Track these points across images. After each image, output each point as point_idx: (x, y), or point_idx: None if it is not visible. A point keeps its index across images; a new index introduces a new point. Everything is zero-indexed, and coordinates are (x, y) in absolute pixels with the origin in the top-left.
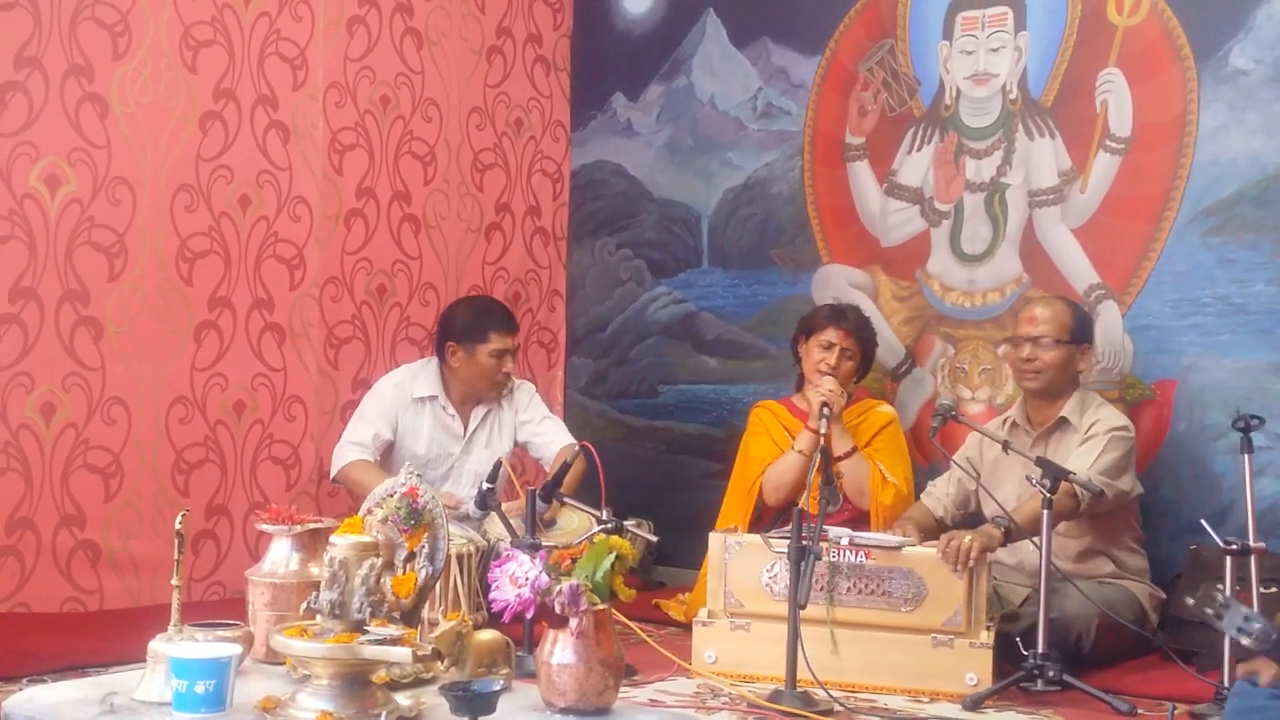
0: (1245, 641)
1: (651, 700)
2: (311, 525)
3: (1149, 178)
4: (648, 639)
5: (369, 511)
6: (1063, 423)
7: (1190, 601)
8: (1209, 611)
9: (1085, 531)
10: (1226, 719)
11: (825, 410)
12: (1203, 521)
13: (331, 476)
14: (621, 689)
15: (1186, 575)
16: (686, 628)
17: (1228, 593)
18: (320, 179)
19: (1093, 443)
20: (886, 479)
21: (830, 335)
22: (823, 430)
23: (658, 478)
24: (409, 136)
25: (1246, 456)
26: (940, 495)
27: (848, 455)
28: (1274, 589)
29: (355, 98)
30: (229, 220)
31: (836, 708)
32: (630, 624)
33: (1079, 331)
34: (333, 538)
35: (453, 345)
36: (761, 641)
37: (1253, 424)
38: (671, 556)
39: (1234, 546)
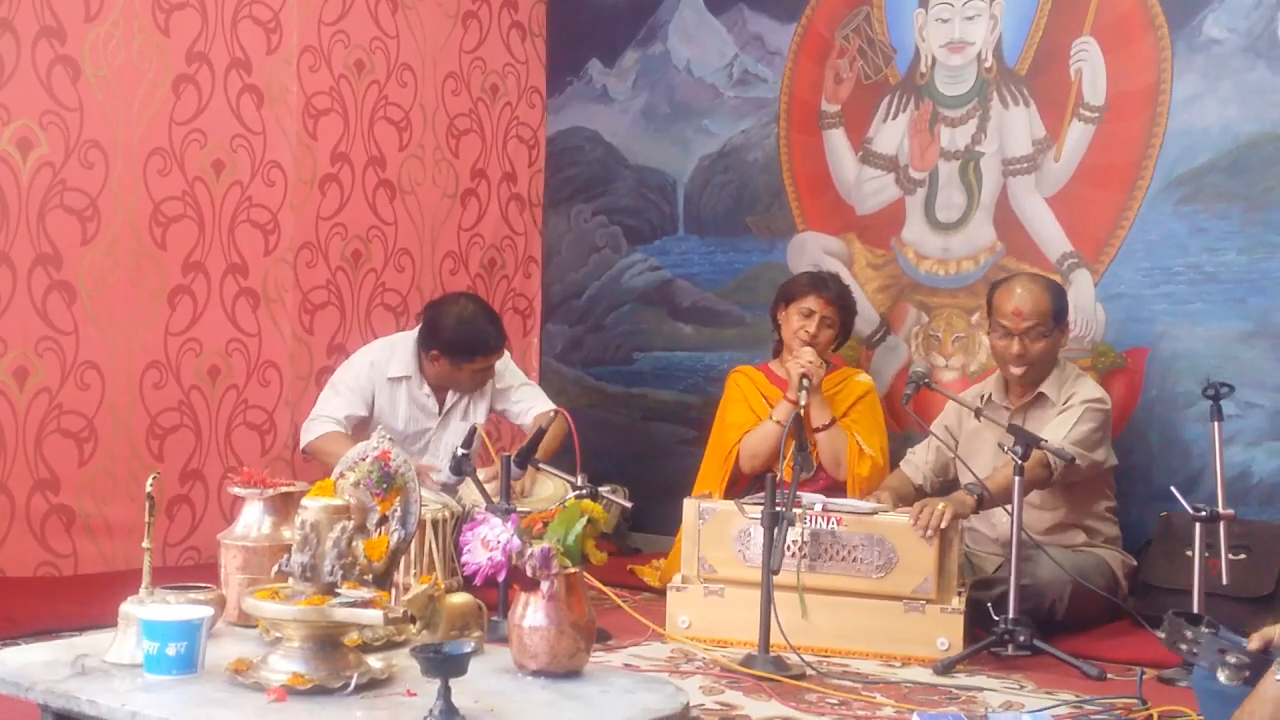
0: (1223, 676)
1: (626, 665)
2: (284, 489)
3: (1122, 146)
4: (622, 604)
5: (341, 475)
6: (1040, 398)
7: (1161, 637)
8: (1182, 648)
9: (1059, 504)
10: (1194, 684)
11: (805, 382)
12: (1173, 489)
13: (301, 447)
14: (596, 654)
15: (1157, 542)
16: (661, 593)
17: (1192, 623)
18: (294, 143)
19: (1068, 414)
20: (864, 451)
21: (811, 303)
22: (802, 402)
23: (633, 444)
24: (384, 101)
25: (1216, 424)
26: (919, 463)
27: (826, 427)
28: (1243, 556)
29: (330, 62)
30: (202, 184)
31: (809, 672)
32: (605, 589)
33: (1059, 314)
34: (304, 501)
35: (436, 353)
36: (735, 607)
37: (1223, 392)
38: (647, 522)
39: (1203, 513)
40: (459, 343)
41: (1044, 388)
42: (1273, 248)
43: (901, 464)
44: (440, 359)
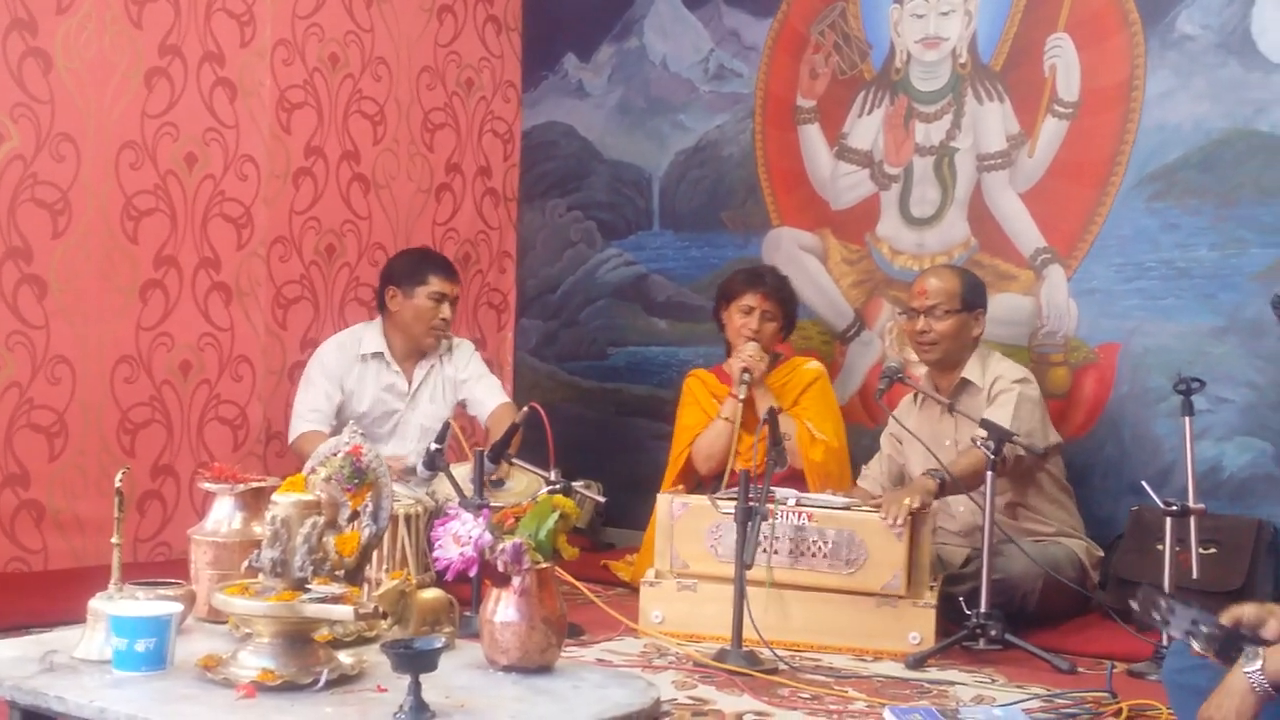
0: (1193, 644)
1: (599, 660)
2: (255, 484)
3: (1096, 142)
4: (595, 599)
5: (312, 470)
6: (965, 384)
7: (1134, 605)
8: (1155, 617)
9: (1005, 486)
10: (1164, 678)
11: (745, 376)
12: (1143, 483)
13: (290, 441)
14: (568, 649)
15: (1128, 536)
16: (634, 588)
17: (1168, 594)
18: (268, 137)
19: (1003, 400)
20: (815, 436)
21: (749, 299)
22: (741, 395)
23: (607, 439)
24: (358, 95)
25: (1187, 419)
26: (875, 475)
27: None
28: (1213, 550)
29: (303, 55)
30: (175, 178)
31: (781, 666)
32: (578, 584)
33: (970, 298)
34: (274, 496)
35: (393, 289)
36: (708, 602)
37: (1194, 387)
38: (620, 518)
39: (1174, 508)
40: (411, 264)
41: (966, 373)
42: (1244, 244)
43: (859, 481)
44: (396, 294)
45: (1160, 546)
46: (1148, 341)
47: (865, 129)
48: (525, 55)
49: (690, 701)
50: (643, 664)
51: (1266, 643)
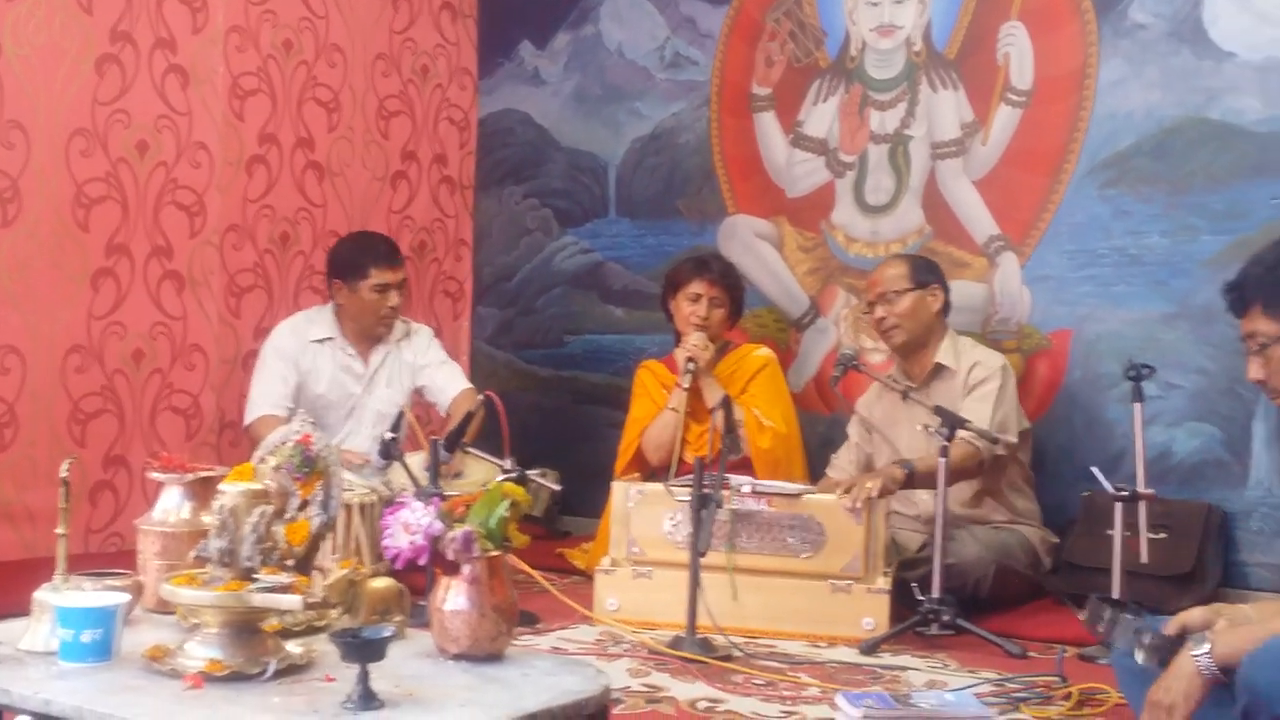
0: (1139, 657)
1: (554, 648)
2: (204, 473)
3: (1049, 130)
4: (550, 587)
5: (262, 460)
6: (939, 369)
7: (1080, 618)
8: (1099, 629)
9: None
10: (1113, 662)
11: (690, 365)
12: (1094, 469)
13: (245, 426)
14: (524, 637)
15: (1080, 522)
16: (590, 576)
17: (1114, 605)
18: (221, 124)
19: (983, 392)
20: (763, 424)
21: (696, 287)
22: (685, 385)
23: (564, 428)
24: (313, 82)
25: (1137, 405)
26: (844, 465)
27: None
28: (1163, 534)
29: (257, 42)
30: (126, 166)
31: (736, 653)
32: (533, 572)
33: (921, 275)
34: (221, 485)
35: (337, 283)
36: (663, 589)
37: (1144, 373)
38: (577, 506)
39: (1124, 493)
40: (350, 257)
41: (940, 357)
42: (1195, 231)
43: (828, 470)
44: (341, 287)
45: (1111, 532)
46: (1099, 328)
47: (820, 117)
48: (481, 42)
49: (644, 689)
50: (598, 652)
51: None
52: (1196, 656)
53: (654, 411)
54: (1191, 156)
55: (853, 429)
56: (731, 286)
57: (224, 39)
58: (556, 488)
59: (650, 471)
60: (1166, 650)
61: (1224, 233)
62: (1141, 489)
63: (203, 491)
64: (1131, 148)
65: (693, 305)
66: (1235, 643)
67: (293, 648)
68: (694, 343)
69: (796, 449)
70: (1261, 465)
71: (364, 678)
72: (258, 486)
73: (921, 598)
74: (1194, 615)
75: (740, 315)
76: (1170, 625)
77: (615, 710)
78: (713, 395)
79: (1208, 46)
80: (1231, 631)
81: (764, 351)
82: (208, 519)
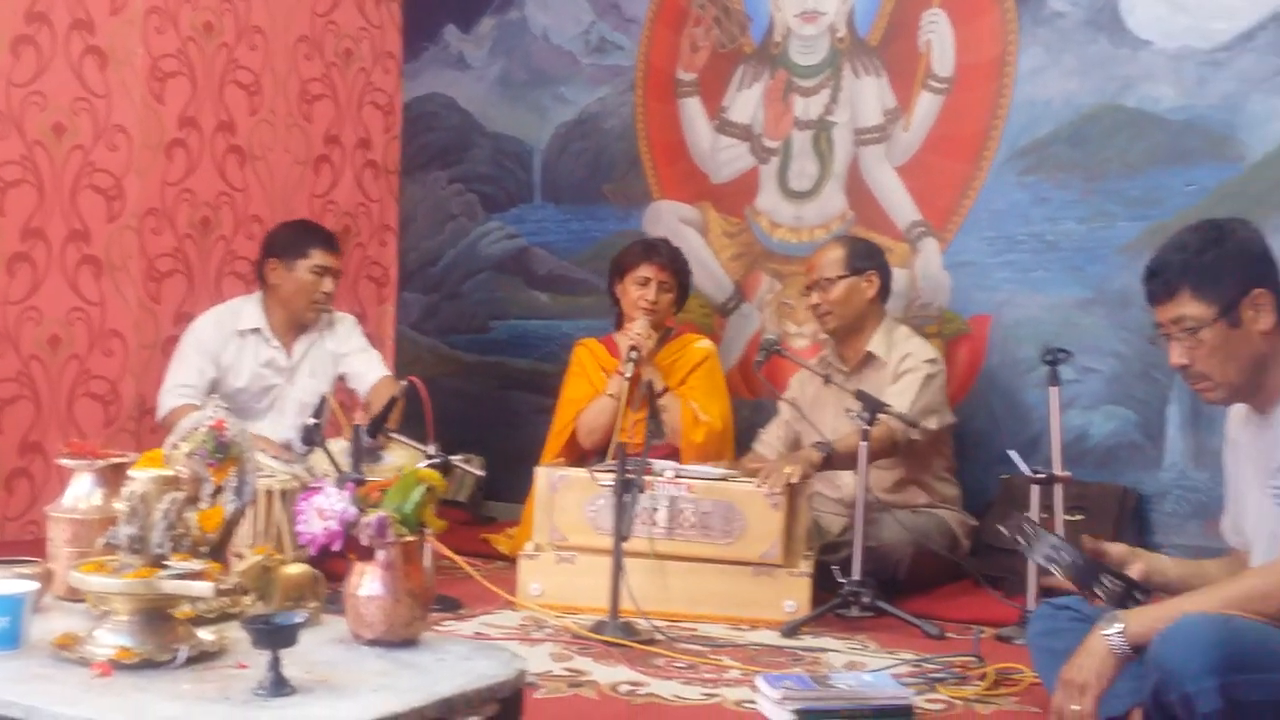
0: (1055, 570)
1: (476, 633)
2: (115, 459)
3: (969, 117)
4: (473, 573)
5: (175, 446)
6: (870, 358)
7: (1002, 530)
8: (1019, 540)
9: (898, 463)
10: (1028, 641)
11: (633, 354)
12: (1011, 452)
13: (159, 417)
14: (446, 622)
15: (998, 504)
16: (514, 561)
17: (1036, 522)
18: (140, 107)
19: (908, 380)
20: (699, 418)
21: (645, 271)
22: (628, 374)
23: (489, 413)
24: (234, 65)
25: (1054, 389)
26: (771, 440)
27: (659, 396)
28: (1079, 516)
29: (176, 23)
30: (42, 149)
31: (658, 637)
32: (455, 558)
33: (858, 261)
34: (131, 471)
35: (273, 262)
36: (586, 574)
37: (1060, 358)
38: (502, 491)
39: (1041, 476)
40: (292, 237)
41: (872, 347)
42: (1111, 217)
43: (755, 445)
44: (277, 266)
45: (1030, 516)
46: (1018, 313)
47: (745, 103)
48: (405, 26)
49: (567, 673)
50: (520, 637)
51: (1127, 578)
52: (1108, 635)
53: (590, 393)
54: (1108, 144)
55: (784, 407)
56: (680, 272)
57: (143, 20)
58: (480, 473)
59: (582, 456)
60: (1082, 569)
61: (1139, 219)
62: (1058, 472)
63: (114, 478)
64: (1050, 135)
65: (641, 289)
66: (1146, 621)
67: (205, 635)
68: (638, 331)
69: (729, 445)
70: (1175, 448)
71: (275, 664)
72: (169, 473)
73: (842, 580)
74: (1115, 547)
75: (686, 301)
76: (1087, 540)
77: (537, 695)
78: (653, 384)
79: (1124, 35)
80: (1143, 611)
81: (705, 344)
82: (120, 506)
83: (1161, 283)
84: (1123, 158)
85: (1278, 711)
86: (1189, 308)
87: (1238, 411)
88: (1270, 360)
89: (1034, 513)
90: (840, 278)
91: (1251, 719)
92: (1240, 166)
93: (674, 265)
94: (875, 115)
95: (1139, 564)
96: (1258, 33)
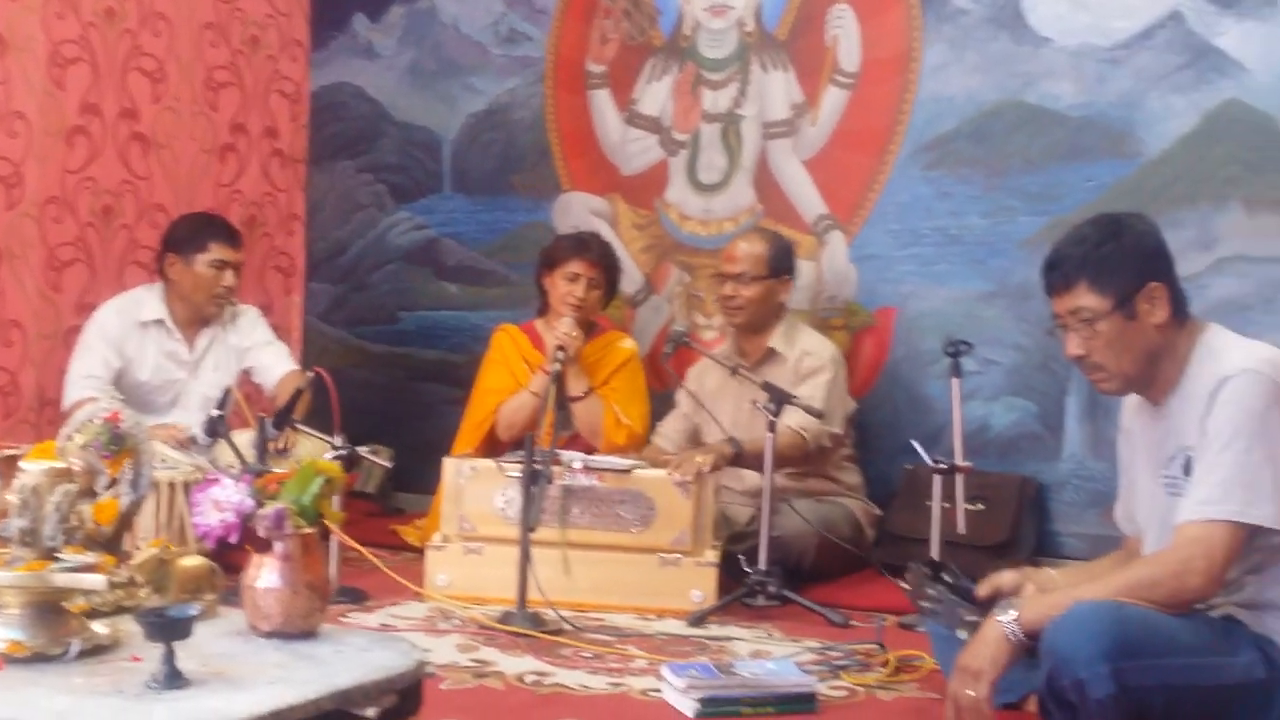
0: (962, 634)
1: (383, 625)
2: (7, 451)
3: (875, 112)
4: (379, 564)
5: (68, 437)
6: (771, 353)
7: (906, 588)
8: (925, 606)
9: None
10: (929, 630)
11: (560, 354)
12: (914, 442)
13: (64, 408)
14: (352, 614)
15: (902, 494)
16: (423, 553)
17: (937, 578)
18: (40, 94)
19: (815, 383)
20: (620, 420)
21: (575, 266)
22: (554, 373)
23: (398, 404)
24: (137, 51)
25: (955, 380)
26: (670, 433)
27: (583, 397)
28: (980, 506)
29: (78, 9)
30: None
31: (565, 627)
32: (362, 549)
33: (777, 265)
34: (22, 464)
35: (172, 256)
36: (494, 565)
37: (962, 350)
38: (411, 482)
39: (943, 466)
40: (190, 230)
41: (773, 342)
42: (1012, 211)
43: (653, 438)
44: (176, 261)
45: (930, 503)
46: (922, 305)
47: (654, 95)
48: (313, 14)
49: (472, 664)
50: (426, 628)
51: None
52: (1003, 623)
53: (510, 383)
54: (1009, 140)
55: (682, 399)
56: (609, 268)
57: (42, 5)
58: (388, 465)
59: (498, 448)
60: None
61: (1040, 214)
62: (959, 462)
63: (7, 470)
64: (953, 130)
65: (570, 285)
66: (1040, 609)
67: (99, 628)
68: (564, 330)
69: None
70: (1074, 439)
71: (169, 657)
72: (61, 465)
73: (748, 570)
74: (1005, 578)
75: (614, 297)
76: (983, 586)
77: (442, 686)
78: (577, 384)
79: (1025, 32)
80: (1037, 599)
81: (629, 344)
82: (10, 498)
83: (1060, 275)
84: (1024, 153)
85: (1168, 695)
86: (1086, 299)
87: (1132, 402)
88: (1164, 353)
89: (935, 504)
90: (760, 277)
91: (1142, 703)
92: (1138, 162)
93: (604, 262)
94: (783, 109)
95: (1030, 586)
96: (1156, 31)
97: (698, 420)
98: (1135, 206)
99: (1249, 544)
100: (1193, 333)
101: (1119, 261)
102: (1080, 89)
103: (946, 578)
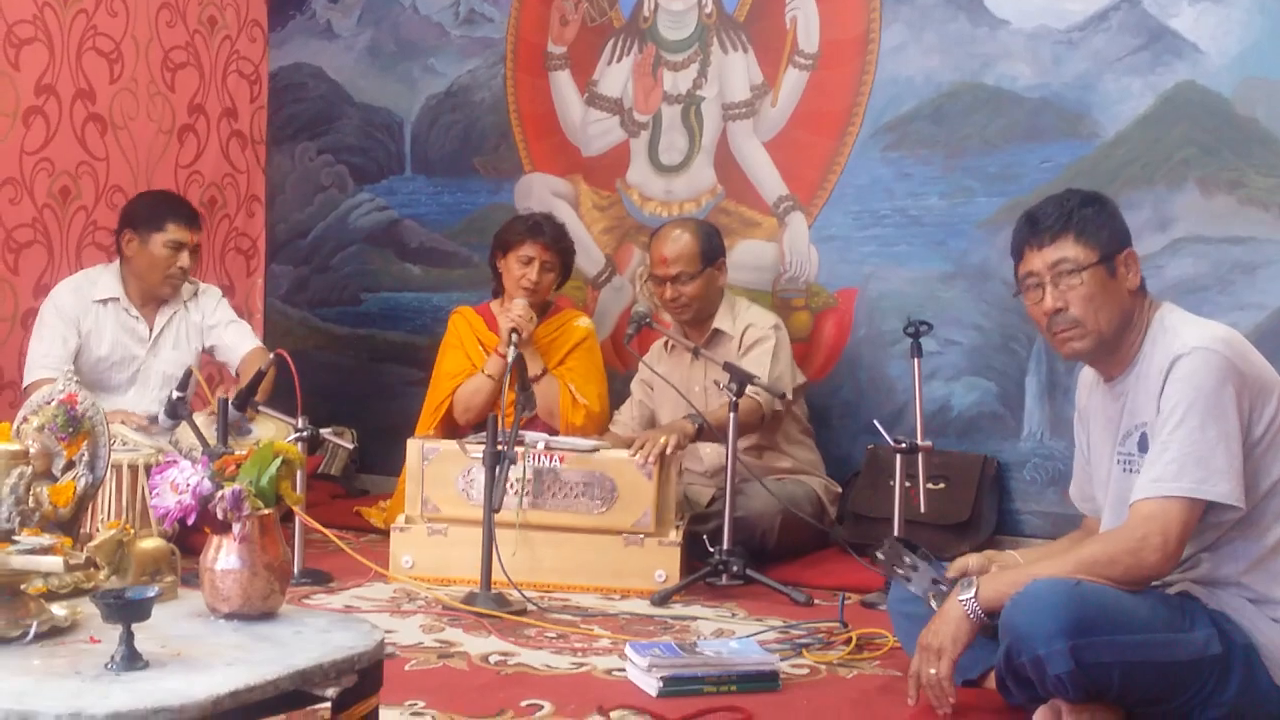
0: (934, 603)
1: (347, 606)
2: None
3: (834, 94)
4: (344, 546)
5: (24, 419)
6: (717, 334)
7: (879, 557)
8: (898, 571)
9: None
10: (889, 607)
11: (514, 336)
12: (876, 422)
13: (24, 389)
14: (317, 595)
15: (864, 473)
16: (387, 534)
17: (911, 550)
18: None
19: (759, 351)
20: (577, 400)
21: (529, 249)
22: (510, 356)
23: (361, 386)
24: (93, 31)
25: (916, 360)
26: (627, 420)
27: (538, 378)
28: (941, 485)
29: None
30: None
31: (530, 608)
32: (326, 531)
33: (709, 253)
34: None
35: (129, 234)
36: (458, 546)
37: (922, 330)
38: (375, 464)
39: (904, 445)
40: (148, 209)
41: (717, 323)
42: (971, 192)
43: (611, 426)
44: (132, 239)
45: (892, 483)
46: (882, 286)
47: (615, 76)
48: None
49: (437, 644)
50: (391, 609)
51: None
52: (963, 601)
53: (467, 366)
54: (967, 121)
55: (636, 386)
56: (564, 251)
57: None
58: (351, 446)
59: (457, 431)
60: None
61: (998, 195)
62: (920, 441)
63: None
64: (911, 112)
65: (524, 268)
66: (999, 587)
67: (57, 610)
68: (518, 313)
69: (605, 426)
70: (1034, 418)
71: (128, 638)
72: (16, 447)
73: (712, 550)
74: (971, 560)
75: (567, 279)
76: (952, 569)
77: (407, 667)
78: (533, 365)
79: (983, 14)
80: (995, 576)
81: (585, 322)
82: None
83: (1044, 228)
84: (981, 134)
85: (1125, 671)
86: (1072, 250)
87: (1087, 381)
88: (1132, 322)
89: (897, 483)
90: (696, 273)
91: (1100, 679)
92: (1094, 144)
93: (558, 245)
94: (743, 90)
95: (995, 569)
96: (1111, 13)
97: (652, 406)
98: (1092, 187)
99: (1204, 520)
100: (1149, 310)
101: (1104, 221)
102: (1037, 70)
103: (920, 557)
